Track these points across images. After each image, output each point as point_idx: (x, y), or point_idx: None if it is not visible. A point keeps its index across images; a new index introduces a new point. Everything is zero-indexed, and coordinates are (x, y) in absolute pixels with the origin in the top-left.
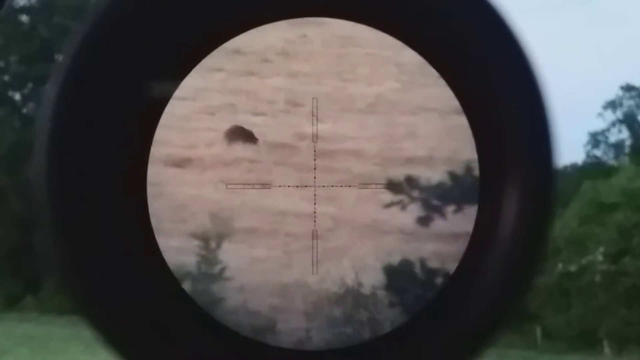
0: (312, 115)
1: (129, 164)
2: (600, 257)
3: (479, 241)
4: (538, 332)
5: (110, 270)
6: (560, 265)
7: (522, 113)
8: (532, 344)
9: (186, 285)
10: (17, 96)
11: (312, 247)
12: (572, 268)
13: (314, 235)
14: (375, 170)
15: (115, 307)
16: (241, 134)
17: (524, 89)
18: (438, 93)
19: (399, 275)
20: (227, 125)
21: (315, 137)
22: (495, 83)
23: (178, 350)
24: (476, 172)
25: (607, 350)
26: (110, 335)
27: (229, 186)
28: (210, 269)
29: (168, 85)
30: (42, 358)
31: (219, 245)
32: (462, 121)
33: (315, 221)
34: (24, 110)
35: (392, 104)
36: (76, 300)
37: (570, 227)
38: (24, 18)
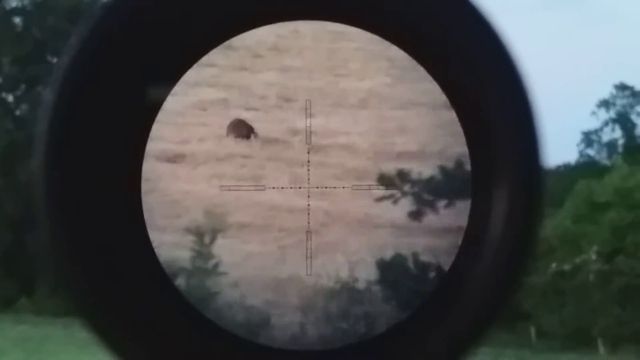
0: (306, 109)
1: (125, 164)
2: (594, 256)
3: (470, 241)
4: (532, 331)
5: (106, 268)
6: (554, 265)
7: (508, 115)
8: (526, 343)
9: (180, 280)
10: (9, 98)
11: (306, 249)
12: (566, 267)
13: (308, 237)
14: (368, 165)
15: (111, 304)
16: (243, 128)
17: (509, 92)
18: (429, 87)
19: (392, 270)
20: (220, 121)
21: (308, 134)
22: (481, 84)
23: (171, 350)
24: (467, 166)
25: (601, 349)
26: (105, 332)
27: (224, 187)
28: (204, 263)
29: (164, 86)
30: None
31: (213, 241)
32: (453, 115)
33: (308, 215)
34: (17, 112)
35: (383, 98)
36: (73, 298)
37: (564, 226)
38: (17, 19)
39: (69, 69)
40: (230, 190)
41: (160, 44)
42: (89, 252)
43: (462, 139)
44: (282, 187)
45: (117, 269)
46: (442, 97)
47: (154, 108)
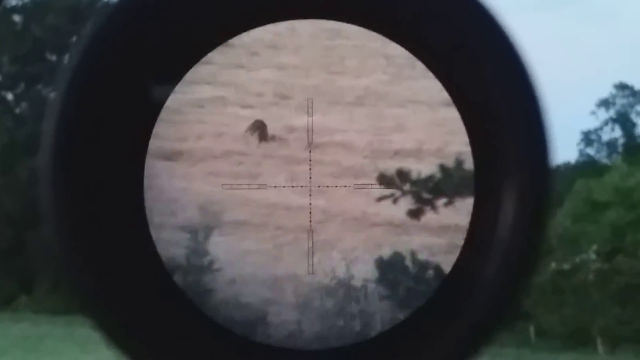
0: (308, 108)
1: (128, 162)
2: (593, 256)
3: (477, 241)
4: (531, 330)
5: (109, 264)
6: (553, 264)
7: (517, 115)
8: (525, 342)
9: (177, 278)
10: (9, 96)
11: (308, 250)
12: (566, 266)
13: (308, 236)
14: (365, 163)
15: (115, 300)
16: (264, 129)
17: (518, 92)
18: (426, 85)
19: (390, 268)
20: (217, 118)
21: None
22: (490, 84)
23: (173, 346)
24: (466, 165)
25: (600, 348)
26: (109, 328)
27: (225, 186)
28: (199, 260)
29: (166, 86)
30: (36, 358)
31: (207, 237)
32: (451, 113)
33: (310, 214)
34: (17, 110)
35: (381, 96)
36: (77, 294)
37: (564, 225)
38: (17, 18)
39: (75, 69)
40: (232, 189)
41: (163, 44)
42: (93, 249)
43: (460, 137)
44: (284, 186)
45: (120, 265)
46: (440, 95)
47: (157, 107)
